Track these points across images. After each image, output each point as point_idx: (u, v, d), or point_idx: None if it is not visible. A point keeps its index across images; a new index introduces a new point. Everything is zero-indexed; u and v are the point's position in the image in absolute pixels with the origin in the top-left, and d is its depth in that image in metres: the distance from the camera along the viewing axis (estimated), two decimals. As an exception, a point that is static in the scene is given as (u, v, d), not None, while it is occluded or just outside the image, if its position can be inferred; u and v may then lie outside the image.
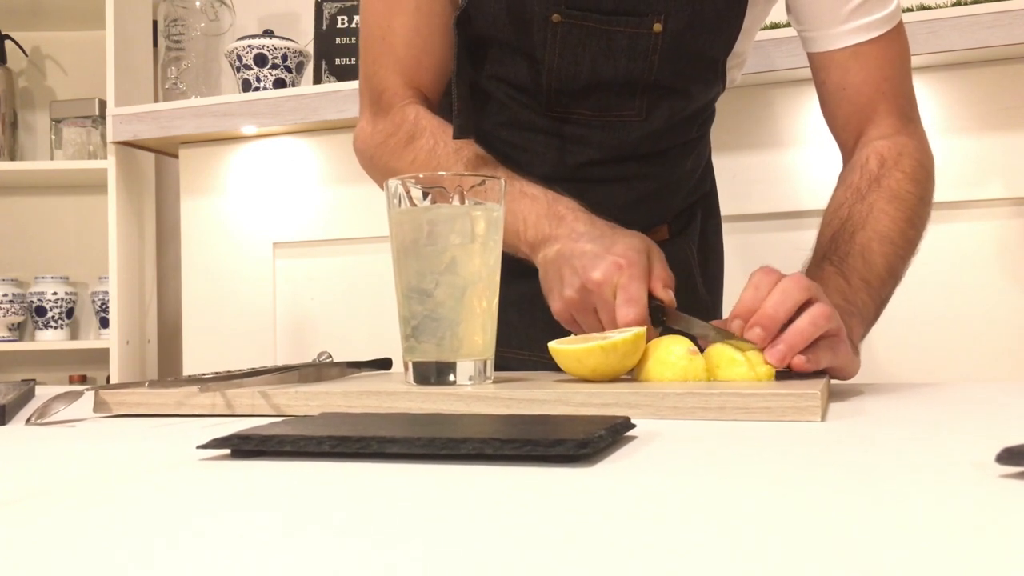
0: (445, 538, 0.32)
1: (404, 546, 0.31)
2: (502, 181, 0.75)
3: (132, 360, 2.19)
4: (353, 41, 2.08)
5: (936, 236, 1.55)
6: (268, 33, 2.12)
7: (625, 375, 0.72)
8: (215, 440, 0.49)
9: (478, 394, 0.66)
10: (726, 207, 1.21)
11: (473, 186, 0.72)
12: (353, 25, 2.09)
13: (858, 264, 0.87)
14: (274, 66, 2.07)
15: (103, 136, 2.25)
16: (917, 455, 0.47)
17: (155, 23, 2.31)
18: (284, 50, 2.08)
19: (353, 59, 2.07)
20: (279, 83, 2.07)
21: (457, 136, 0.92)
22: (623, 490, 0.39)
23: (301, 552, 0.30)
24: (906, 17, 1.29)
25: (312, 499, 0.39)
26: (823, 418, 0.61)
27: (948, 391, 0.78)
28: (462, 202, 0.72)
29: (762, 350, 0.69)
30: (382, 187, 0.77)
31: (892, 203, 0.92)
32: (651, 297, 0.77)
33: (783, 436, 0.54)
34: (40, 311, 2.33)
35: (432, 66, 0.98)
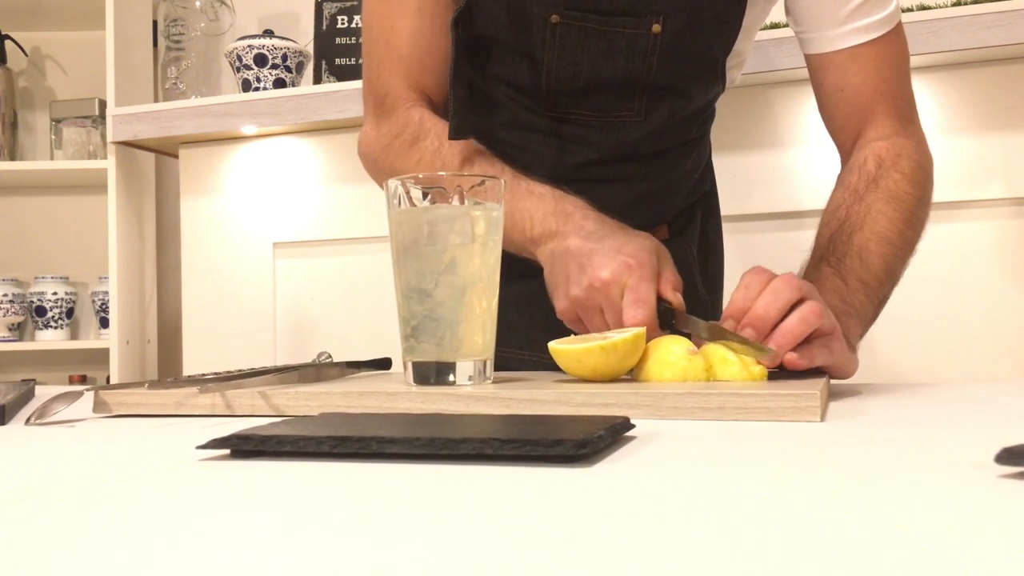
0: (445, 538, 0.32)
1: (404, 546, 0.31)
2: (502, 182, 0.75)
3: (132, 360, 2.19)
4: (353, 41, 2.08)
5: (936, 236, 1.55)
6: (268, 33, 2.12)
7: (625, 375, 0.72)
8: (215, 440, 0.49)
9: (478, 394, 0.66)
10: (726, 207, 1.21)
11: (473, 186, 0.72)
12: (353, 25, 2.09)
13: (855, 265, 0.87)
14: (274, 66, 2.07)
15: (103, 136, 2.25)
16: (917, 455, 0.47)
17: (155, 23, 2.31)
18: (284, 50, 2.08)
19: (353, 59, 2.07)
20: (279, 83, 2.07)
21: (453, 136, 0.92)
22: (623, 490, 0.39)
23: (301, 552, 0.30)
24: (906, 17, 1.29)
25: (312, 499, 0.39)
26: (823, 418, 0.61)
27: (948, 391, 0.78)
28: (462, 202, 0.72)
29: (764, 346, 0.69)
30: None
31: (890, 204, 0.92)
32: (659, 299, 0.76)
33: (783, 436, 0.54)
34: (40, 311, 2.33)
35: (436, 68, 0.98)
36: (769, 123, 1.72)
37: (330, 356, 0.99)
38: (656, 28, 0.93)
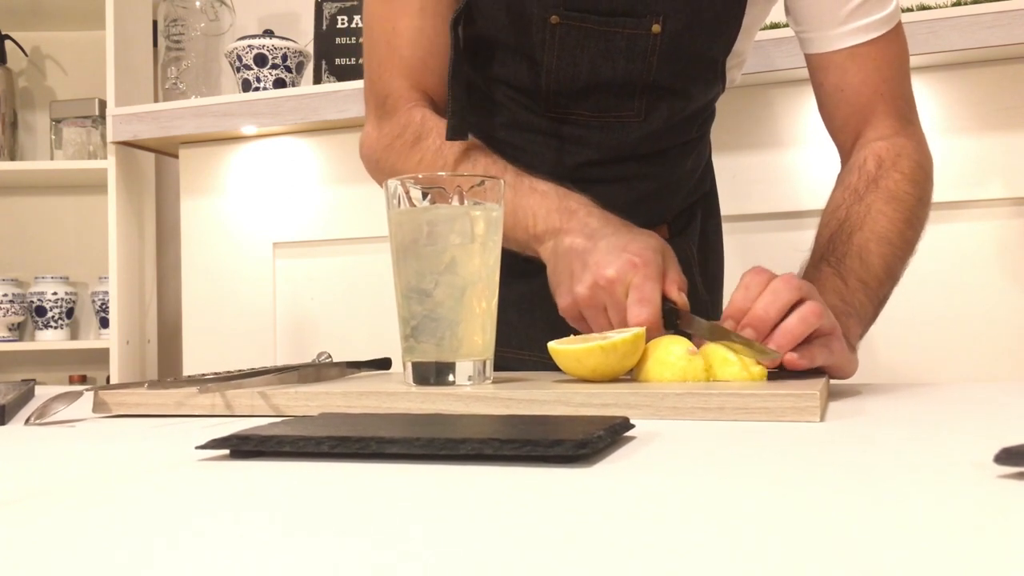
0: (445, 538, 0.32)
1: (404, 546, 0.31)
2: (502, 182, 0.75)
3: (132, 360, 2.19)
4: (353, 41, 2.08)
5: (936, 236, 1.55)
6: (268, 33, 2.12)
7: (624, 375, 0.72)
8: (214, 440, 0.49)
9: (477, 394, 0.66)
10: (726, 207, 1.21)
11: (472, 186, 0.72)
12: (353, 25, 2.09)
13: (855, 265, 0.87)
14: (274, 66, 2.07)
15: (103, 136, 2.25)
16: (917, 455, 0.47)
17: (155, 23, 2.31)
18: (284, 50, 2.08)
19: (353, 59, 2.07)
20: (279, 83, 2.07)
21: (450, 137, 0.91)
22: (622, 490, 0.39)
23: (301, 552, 0.30)
24: (906, 17, 1.29)
25: (312, 499, 0.39)
26: (822, 418, 0.61)
27: (948, 391, 0.78)
28: (461, 202, 0.72)
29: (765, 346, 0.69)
30: (387, 190, 0.77)
31: (890, 204, 0.92)
32: (663, 299, 0.76)
33: (782, 436, 0.54)
34: (40, 311, 2.33)
35: (437, 68, 0.97)
36: (769, 123, 1.72)
37: (330, 356, 0.98)
38: (656, 28, 0.93)
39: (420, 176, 0.76)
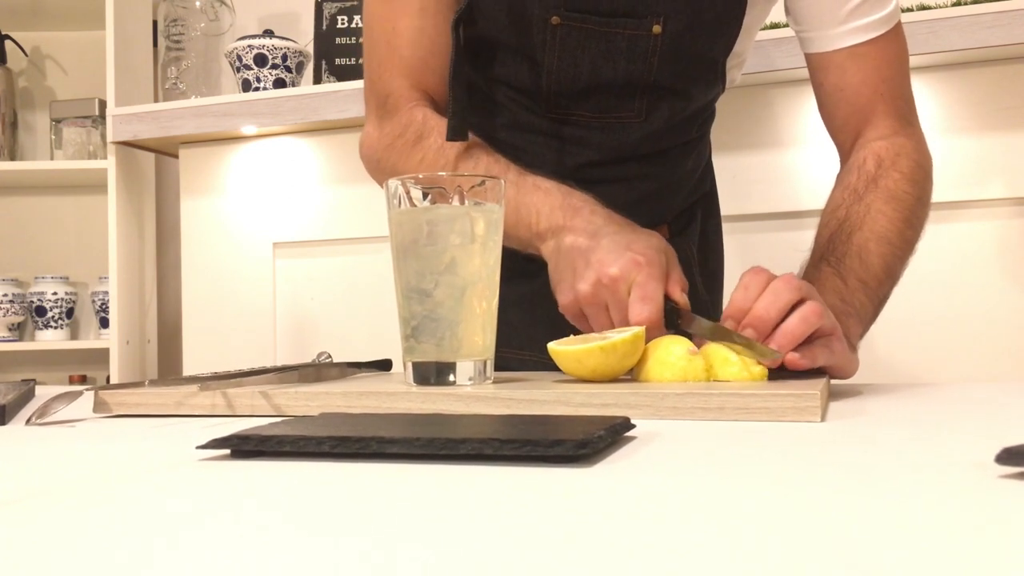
0: (445, 538, 0.32)
1: (404, 546, 0.31)
2: (502, 182, 0.75)
3: (132, 360, 2.19)
4: (353, 41, 2.09)
5: (936, 236, 1.55)
6: (268, 33, 2.12)
7: (625, 375, 0.72)
8: (215, 440, 0.49)
9: (478, 394, 0.66)
10: (726, 207, 1.21)
11: (473, 186, 0.72)
12: (353, 25, 2.09)
13: (855, 265, 0.87)
14: (274, 66, 2.07)
15: (103, 136, 2.25)
16: (917, 455, 0.47)
17: (155, 23, 2.31)
18: (284, 50, 2.08)
19: (353, 59, 2.07)
20: (279, 83, 2.07)
21: (451, 138, 0.91)
22: (622, 490, 0.39)
23: (301, 552, 0.30)
24: (906, 17, 1.29)
25: (312, 499, 0.39)
26: (823, 418, 0.61)
27: (948, 391, 0.78)
28: (462, 202, 0.72)
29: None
30: (388, 190, 0.77)
31: (890, 204, 0.92)
32: (665, 299, 0.76)
33: (783, 436, 0.54)
34: (40, 311, 2.33)
35: (438, 67, 0.97)
36: (769, 123, 1.72)
37: (330, 356, 0.98)
38: (656, 29, 0.93)
39: (420, 176, 0.76)
